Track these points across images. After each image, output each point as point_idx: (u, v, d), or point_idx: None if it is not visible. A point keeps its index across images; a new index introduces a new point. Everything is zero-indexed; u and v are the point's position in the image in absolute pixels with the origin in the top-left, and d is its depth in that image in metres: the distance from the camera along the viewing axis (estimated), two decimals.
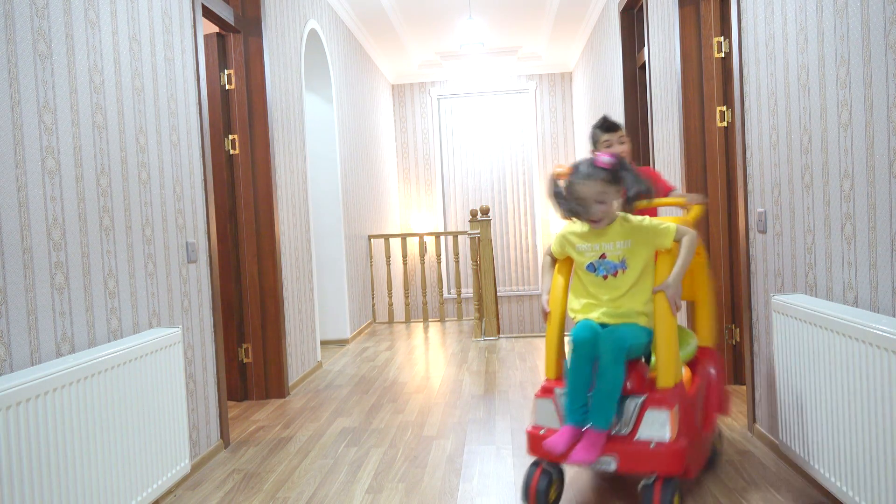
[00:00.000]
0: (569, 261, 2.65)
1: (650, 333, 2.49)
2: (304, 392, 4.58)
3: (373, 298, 7.62)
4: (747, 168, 3.25)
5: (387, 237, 7.56)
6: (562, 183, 2.54)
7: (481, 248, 6.75)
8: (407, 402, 4.19)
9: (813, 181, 2.57)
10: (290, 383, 4.61)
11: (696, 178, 4.15)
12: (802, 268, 2.70)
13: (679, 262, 2.50)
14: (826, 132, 2.44)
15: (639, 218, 2.56)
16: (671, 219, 2.69)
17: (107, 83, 2.61)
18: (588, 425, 2.37)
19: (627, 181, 2.46)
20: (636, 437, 2.35)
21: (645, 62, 5.19)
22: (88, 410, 2.14)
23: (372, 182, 8.13)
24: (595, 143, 3.15)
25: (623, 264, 2.50)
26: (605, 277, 2.52)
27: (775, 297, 2.65)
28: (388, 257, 7.54)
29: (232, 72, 4.33)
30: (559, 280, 2.63)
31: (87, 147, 2.45)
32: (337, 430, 3.70)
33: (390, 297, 7.54)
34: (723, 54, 4.09)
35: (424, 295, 7.59)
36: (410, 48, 8.75)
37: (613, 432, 2.38)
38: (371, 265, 7.63)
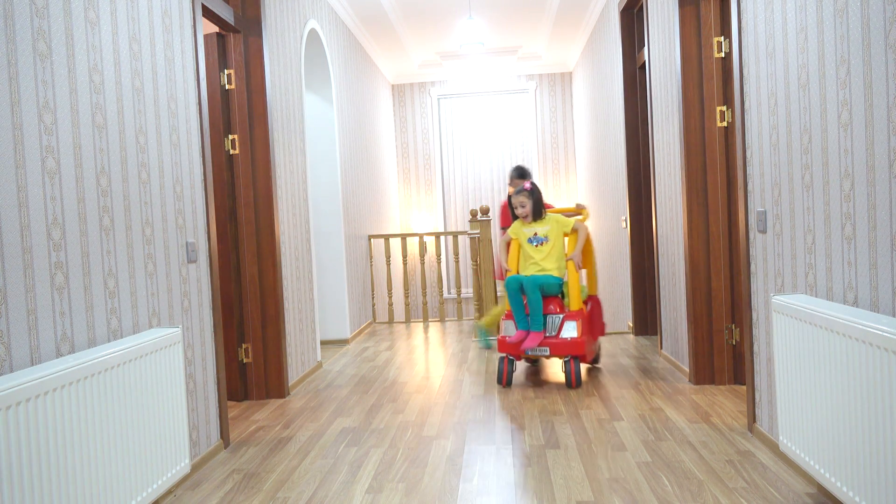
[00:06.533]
0: (516, 242, 4.71)
1: (561, 280, 4.54)
2: (304, 392, 4.58)
3: (373, 298, 7.62)
4: (747, 168, 3.25)
5: (387, 237, 7.56)
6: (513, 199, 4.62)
7: (481, 248, 6.75)
8: (407, 402, 4.19)
9: (813, 181, 2.57)
10: (290, 383, 4.61)
11: (696, 177, 4.15)
12: (802, 268, 2.70)
13: (578, 242, 4.63)
14: (826, 132, 2.44)
15: (555, 215, 4.70)
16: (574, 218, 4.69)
17: (107, 83, 2.61)
18: (529, 329, 4.42)
19: (536, 196, 4.67)
20: (560, 336, 4.39)
21: (645, 62, 5.19)
22: (88, 410, 2.14)
23: (372, 182, 8.13)
24: (511, 180, 5.37)
25: (546, 238, 4.61)
26: (536, 245, 4.62)
27: (775, 297, 2.65)
28: (388, 257, 7.54)
29: (232, 72, 4.33)
30: (514, 252, 4.71)
31: (87, 147, 2.45)
32: (337, 430, 3.70)
33: (390, 297, 7.54)
34: (723, 54, 4.09)
35: (424, 295, 7.59)
36: (410, 48, 8.74)
37: (546, 335, 4.41)
38: (371, 265, 7.63)
